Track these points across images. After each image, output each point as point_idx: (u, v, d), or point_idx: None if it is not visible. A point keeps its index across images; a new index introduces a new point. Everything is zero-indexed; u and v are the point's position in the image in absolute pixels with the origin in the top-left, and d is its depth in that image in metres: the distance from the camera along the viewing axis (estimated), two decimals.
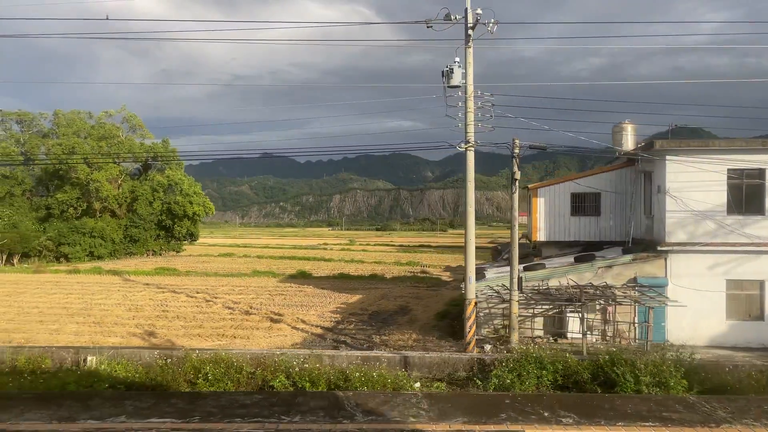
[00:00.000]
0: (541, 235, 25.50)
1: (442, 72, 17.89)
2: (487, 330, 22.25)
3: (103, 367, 12.37)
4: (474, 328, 17.93)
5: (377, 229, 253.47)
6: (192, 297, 34.42)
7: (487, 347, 18.68)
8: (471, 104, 17.66)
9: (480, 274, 23.05)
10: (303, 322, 26.95)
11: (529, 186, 25.94)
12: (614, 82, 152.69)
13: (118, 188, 68.03)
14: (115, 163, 63.91)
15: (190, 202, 68.54)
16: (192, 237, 73.51)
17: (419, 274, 49.94)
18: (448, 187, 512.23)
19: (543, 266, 22.15)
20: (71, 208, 65.16)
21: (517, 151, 17.59)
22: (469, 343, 17.61)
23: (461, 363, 14.29)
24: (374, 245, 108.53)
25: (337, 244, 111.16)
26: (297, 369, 12.20)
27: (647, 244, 21.94)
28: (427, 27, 17.85)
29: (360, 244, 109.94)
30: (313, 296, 35.09)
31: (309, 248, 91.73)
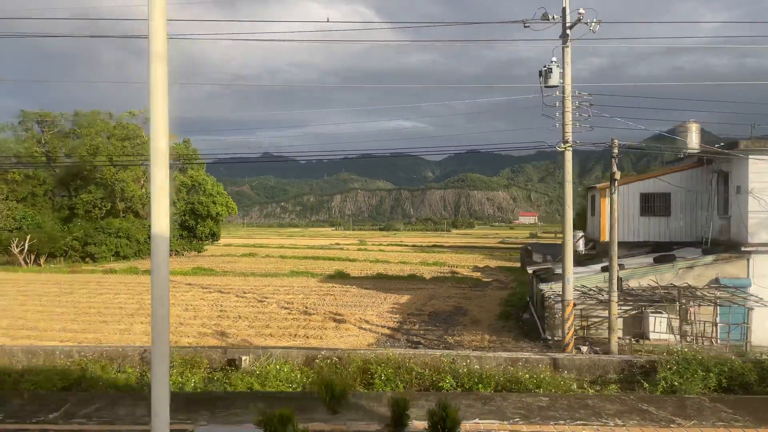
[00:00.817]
0: (608, 236, 25.43)
1: (540, 72, 17.95)
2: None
3: (270, 366, 12.32)
4: (573, 329, 17.95)
5: (380, 229, 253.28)
6: (242, 297, 34.39)
7: (584, 348, 18.68)
8: (569, 104, 17.68)
9: (551, 275, 23.03)
10: (366, 322, 26.93)
11: (598, 186, 25.93)
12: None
13: (141, 188, 67.93)
14: (141, 165, 63.81)
15: (214, 202, 68.49)
16: (214, 237, 73.43)
17: (452, 275, 49.89)
18: (449, 187, 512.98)
19: (622, 267, 22.14)
20: (96, 209, 65.02)
21: (615, 151, 17.60)
22: (567, 344, 17.62)
23: (612, 365, 14.24)
24: (387, 245, 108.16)
25: (349, 244, 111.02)
26: (466, 370, 12.17)
27: (724, 244, 21.97)
28: (525, 27, 17.88)
29: (373, 245, 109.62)
30: (361, 296, 35.07)
31: (323, 248, 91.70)
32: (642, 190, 25.03)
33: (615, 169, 17.62)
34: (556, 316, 22.11)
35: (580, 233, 44.62)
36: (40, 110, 72.24)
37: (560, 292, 22.43)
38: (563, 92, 17.68)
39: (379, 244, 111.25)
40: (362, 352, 14.80)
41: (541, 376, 12.13)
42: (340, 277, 44.68)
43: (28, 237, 53.80)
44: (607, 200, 24.83)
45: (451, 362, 12.85)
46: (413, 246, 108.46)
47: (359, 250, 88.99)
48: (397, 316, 28.66)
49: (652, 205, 24.84)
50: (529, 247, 55.51)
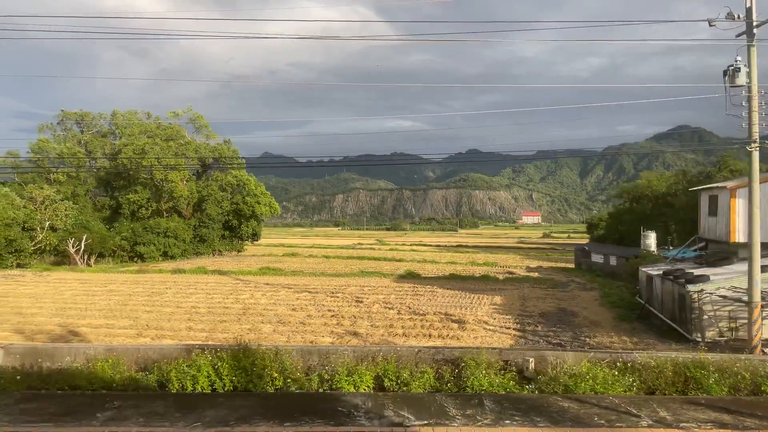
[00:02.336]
0: (739, 237, 25.40)
1: (724, 72, 17.92)
2: (711, 332, 22.19)
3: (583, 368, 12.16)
4: (761, 332, 17.88)
5: (387, 229, 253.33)
6: (333, 297, 34.27)
7: None
8: (755, 103, 17.63)
9: (693, 277, 22.94)
10: (484, 322, 26.89)
11: (728, 186, 25.85)
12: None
13: (187, 188, 67.73)
14: (188, 168, 63.72)
15: (258, 202, 68.30)
16: (255, 237, 73.25)
17: (510, 275, 49.74)
18: (451, 187, 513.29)
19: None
20: (142, 209, 64.72)
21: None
22: (755, 347, 17.57)
23: None
24: (411, 246, 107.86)
25: (372, 244, 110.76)
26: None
27: None
28: (710, 26, 17.82)
29: (396, 245, 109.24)
30: (451, 297, 35.03)
31: (352, 248, 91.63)
32: None
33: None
34: (705, 317, 22.05)
35: (652, 233, 44.70)
36: (79, 110, 71.90)
37: (710, 293, 22.41)
38: (749, 92, 17.63)
39: (402, 245, 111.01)
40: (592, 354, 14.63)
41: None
42: (412, 277, 44.60)
43: (84, 237, 53.49)
44: (737, 201, 24.82)
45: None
46: (437, 246, 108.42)
47: (392, 250, 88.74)
48: (508, 316, 28.60)
49: None
50: (586, 248, 55.49)
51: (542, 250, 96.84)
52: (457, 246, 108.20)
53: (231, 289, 37.13)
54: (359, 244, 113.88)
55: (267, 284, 39.52)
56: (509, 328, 25.88)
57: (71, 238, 53.06)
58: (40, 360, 13.47)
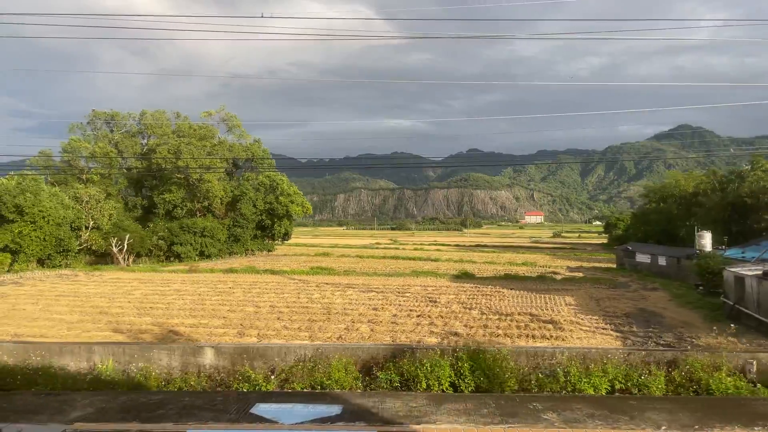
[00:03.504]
0: None
1: None
2: None
3: None
4: None
5: (392, 229, 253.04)
6: (403, 297, 34.21)
7: None
8: None
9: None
10: (576, 323, 26.77)
11: None
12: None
13: (222, 189, 67.54)
14: (223, 169, 63.43)
15: (292, 202, 68.08)
16: (286, 236, 73.03)
17: (552, 275, 49.56)
18: (452, 186, 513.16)
19: None
20: (177, 208, 64.46)
21: None
22: None
23: None
24: (428, 245, 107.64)
25: (388, 244, 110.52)
26: None
27: None
28: None
29: (413, 245, 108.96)
30: (522, 297, 35.02)
31: (372, 248, 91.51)
32: None
33: None
34: None
35: (707, 233, 44.63)
36: (110, 110, 71.55)
37: None
38: None
39: (421, 244, 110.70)
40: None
41: None
42: (467, 277, 44.51)
43: (127, 236, 53.21)
44: None
45: None
46: (456, 246, 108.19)
47: (416, 249, 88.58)
48: (594, 317, 28.51)
49: None
50: (630, 247, 55.36)
51: (564, 250, 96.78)
52: (476, 246, 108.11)
53: (295, 288, 36.96)
54: (377, 243, 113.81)
55: (327, 284, 39.32)
56: (605, 328, 25.76)
57: (114, 238, 52.76)
58: (245, 359, 13.35)
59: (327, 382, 12.41)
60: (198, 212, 67.25)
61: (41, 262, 47.04)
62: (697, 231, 45.41)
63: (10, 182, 45.92)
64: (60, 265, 48.10)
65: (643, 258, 51.70)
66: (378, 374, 12.64)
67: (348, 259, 63.83)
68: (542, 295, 35.44)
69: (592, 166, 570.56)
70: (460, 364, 12.07)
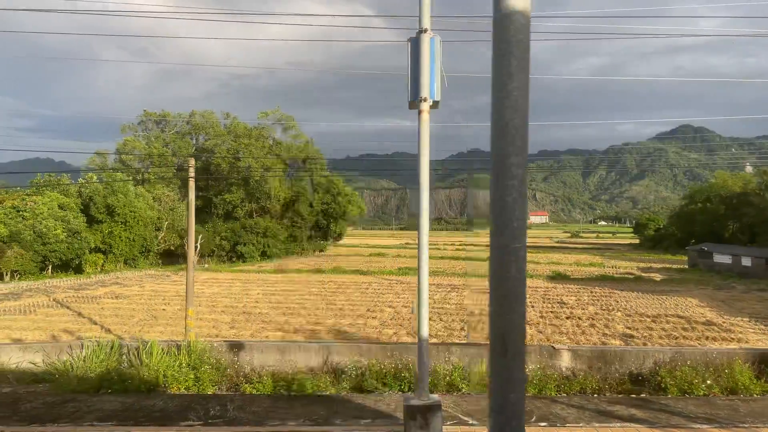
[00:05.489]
0: None
1: None
2: None
3: None
4: None
5: (401, 229, 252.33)
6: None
7: None
8: None
9: None
10: (735, 324, 26.47)
11: None
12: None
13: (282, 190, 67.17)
14: (282, 169, 63.04)
15: (349, 202, 67.72)
16: (339, 237, 72.66)
17: (644, 276, 49.34)
18: (455, 186, 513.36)
19: None
20: (237, 209, 63.99)
21: None
22: None
23: None
24: (460, 245, 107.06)
25: (416, 244, 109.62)
26: None
27: None
28: None
29: (443, 245, 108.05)
30: (638, 299, 34.81)
31: (409, 247, 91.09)
32: None
33: None
34: None
35: None
36: (162, 110, 71.05)
37: None
38: None
39: (451, 244, 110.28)
40: None
41: None
42: (562, 278, 44.38)
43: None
44: None
45: None
46: (486, 246, 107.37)
47: (458, 249, 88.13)
48: (743, 318, 28.29)
49: None
50: (705, 248, 55.09)
51: (599, 250, 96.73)
52: None
53: (404, 288, 36.73)
54: (407, 243, 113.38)
55: (431, 284, 38.95)
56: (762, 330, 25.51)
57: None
58: (602, 362, 12.92)
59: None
60: (255, 213, 66.77)
61: (126, 263, 46.49)
62: None
63: (91, 182, 45.28)
64: (143, 266, 47.56)
65: (722, 258, 51.47)
66: None
67: (406, 260, 63.41)
68: (660, 297, 35.19)
69: (593, 165, 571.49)
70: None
